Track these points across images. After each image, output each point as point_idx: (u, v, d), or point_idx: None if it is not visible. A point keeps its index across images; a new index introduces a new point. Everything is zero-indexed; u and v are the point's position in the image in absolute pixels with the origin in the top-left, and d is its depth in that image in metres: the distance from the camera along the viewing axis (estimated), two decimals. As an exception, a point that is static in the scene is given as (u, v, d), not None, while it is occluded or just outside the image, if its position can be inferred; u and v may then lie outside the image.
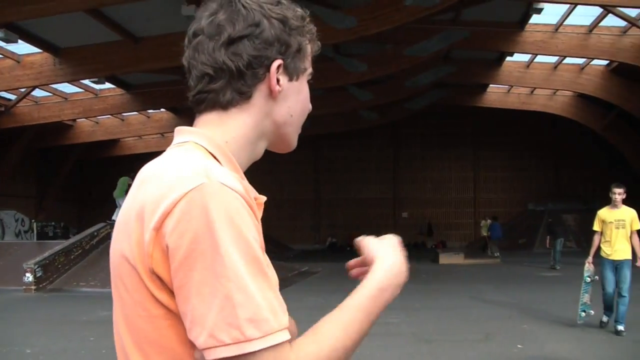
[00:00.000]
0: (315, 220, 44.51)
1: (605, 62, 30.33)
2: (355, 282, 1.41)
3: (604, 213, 10.62)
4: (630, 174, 39.38)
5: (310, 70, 1.54)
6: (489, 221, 31.83)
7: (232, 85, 1.40)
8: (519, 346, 9.14)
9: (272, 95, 1.44)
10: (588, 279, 10.59)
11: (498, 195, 44.24)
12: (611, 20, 25.30)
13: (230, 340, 1.13)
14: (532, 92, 35.50)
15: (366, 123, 38.49)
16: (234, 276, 1.15)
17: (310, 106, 1.57)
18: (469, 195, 44.49)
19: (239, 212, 1.20)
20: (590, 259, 10.60)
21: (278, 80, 1.43)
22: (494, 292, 16.26)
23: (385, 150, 44.68)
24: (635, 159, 37.62)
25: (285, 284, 18.28)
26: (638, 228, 10.32)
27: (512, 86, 34.37)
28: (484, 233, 31.85)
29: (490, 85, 34.78)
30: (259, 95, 1.43)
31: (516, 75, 31.64)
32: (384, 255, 1.40)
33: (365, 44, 25.95)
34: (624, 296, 9.96)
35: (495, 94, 36.36)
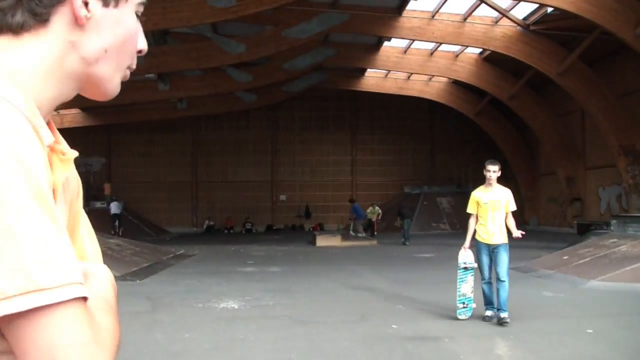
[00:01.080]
0: (193, 203, 43.90)
1: (478, 50, 31.26)
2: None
3: (478, 194, 9.61)
4: (501, 159, 40.70)
5: (139, 0, 1.19)
6: (376, 208, 32.25)
7: (25, 4, 1.05)
8: (393, 326, 9.20)
9: (77, 22, 1.09)
10: (463, 266, 9.61)
11: (375, 179, 44.94)
12: (484, 10, 26.06)
13: (14, 291, 0.81)
14: (409, 77, 36.19)
15: (244, 105, 38.26)
16: (11, 203, 0.84)
17: (142, 46, 1.21)
18: (347, 179, 44.96)
19: (20, 134, 0.90)
20: (466, 244, 9.58)
21: (87, 4, 1.08)
22: (369, 274, 16.40)
23: (264, 133, 44.49)
24: (505, 144, 39.09)
25: (160, 267, 17.90)
26: (514, 209, 9.45)
27: (389, 71, 34.86)
28: (371, 217, 32.16)
29: (369, 69, 35.19)
30: (60, 20, 1.08)
31: (394, 60, 32.13)
32: None
33: (244, 24, 25.69)
34: (503, 281, 9.08)
35: (374, 79, 36.83)
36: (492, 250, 9.28)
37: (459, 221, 37.83)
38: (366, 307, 10.92)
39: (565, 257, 16.09)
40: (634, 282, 12.41)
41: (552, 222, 37.21)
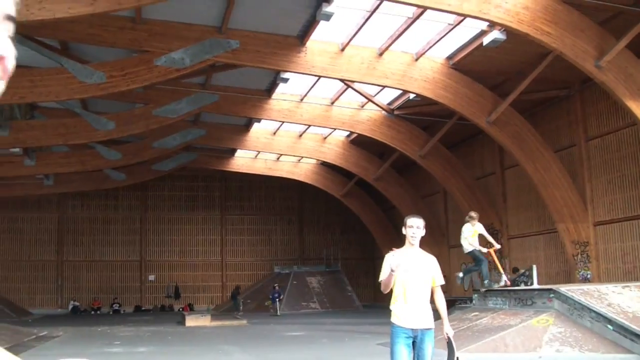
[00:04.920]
0: (58, 283, 42.37)
1: (345, 133, 32.25)
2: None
3: (395, 258, 6.37)
4: (368, 239, 41.96)
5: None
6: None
7: None
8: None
9: None
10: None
11: (244, 259, 44.95)
12: (351, 95, 27.11)
13: None
14: (278, 158, 36.74)
15: (113, 183, 37.72)
16: None
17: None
18: (217, 259, 44.74)
19: None
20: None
21: None
22: (239, 353, 16.39)
23: (133, 212, 43.93)
24: (372, 224, 40.08)
25: (20, 349, 17.23)
26: (442, 282, 6.75)
27: (259, 152, 35.31)
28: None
29: (239, 150, 35.52)
30: None
31: (263, 142, 32.61)
32: None
33: (115, 102, 25.69)
34: None
35: (243, 159, 37.18)
36: (414, 337, 6.43)
37: (329, 300, 38.34)
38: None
39: (429, 331, 16.62)
40: (495, 352, 13.01)
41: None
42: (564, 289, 14.84)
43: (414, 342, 6.37)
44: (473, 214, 17.47)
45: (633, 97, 19.09)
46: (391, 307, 6.55)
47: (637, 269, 22.28)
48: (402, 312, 6.43)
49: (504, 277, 17.78)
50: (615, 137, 23.25)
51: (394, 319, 6.48)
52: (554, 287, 15.95)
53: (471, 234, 17.11)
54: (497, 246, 17.69)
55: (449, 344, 6.63)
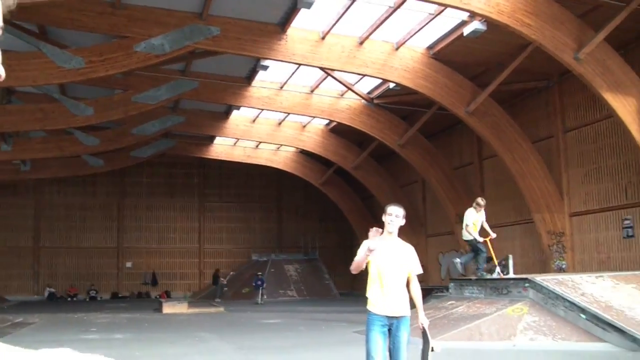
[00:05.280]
0: (34, 270, 42.09)
1: (325, 122, 32.26)
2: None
3: (372, 243, 6.38)
4: (347, 227, 42.00)
5: None
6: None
7: None
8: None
9: None
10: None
11: (222, 246, 44.90)
12: (330, 84, 27.10)
13: None
14: (257, 146, 36.69)
15: (91, 169, 37.45)
16: None
17: None
18: (194, 246, 44.67)
19: None
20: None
21: None
22: (216, 340, 16.37)
23: (110, 198, 43.69)
24: (350, 213, 40.15)
25: (-4, 336, 17.11)
26: (419, 272, 6.77)
27: (238, 139, 35.23)
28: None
29: (218, 137, 35.42)
30: None
31: (242, 129, 32.55)
32: None
33: (94, 87, 25.50)
34: None
35: (222, 147, 37.09)
36: (390, 325, 6.47)
37: (306, 288, 38.42)
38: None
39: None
40: (470, 340, 13.14)
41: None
42: (539, 278, 15.01)
43: (389, 330, 6.41)
44: (481, 201, 17.13)
45: (610, 90, 19.23)
46: (367, 294, 6.56)
47: (610, 259, 22.52)
48: (378, 300, 6.46)
49: (497, 269, 17.65)
50: (592, 129, 23.42)
51: (370, 306, 6.51)
52: (529, 276, 16.10)
53: (473, 221, 16.74)
54: (493, 235, 17.16)
55: (424, 334, 6.62)
